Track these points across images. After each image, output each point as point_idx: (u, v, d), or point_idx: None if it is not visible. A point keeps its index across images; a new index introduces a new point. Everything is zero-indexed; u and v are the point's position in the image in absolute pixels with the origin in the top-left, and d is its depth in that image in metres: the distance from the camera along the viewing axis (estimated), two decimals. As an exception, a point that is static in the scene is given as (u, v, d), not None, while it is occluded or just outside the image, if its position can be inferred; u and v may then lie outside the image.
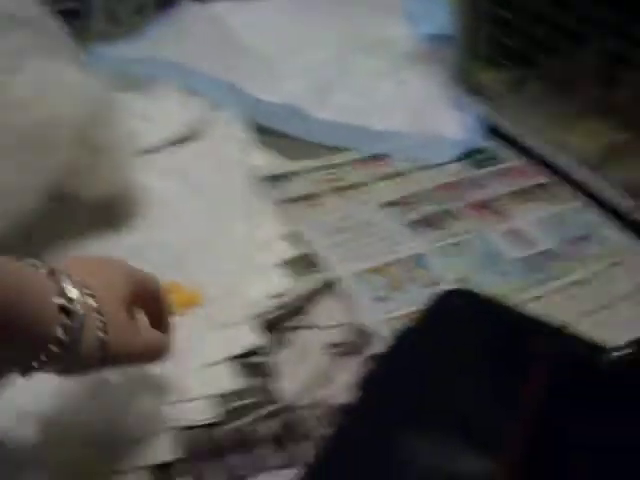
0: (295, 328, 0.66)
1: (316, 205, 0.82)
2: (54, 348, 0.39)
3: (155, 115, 0.92)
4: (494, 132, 0.97)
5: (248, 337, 0.63)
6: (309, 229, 0.77)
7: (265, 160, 0.91)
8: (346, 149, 0.94)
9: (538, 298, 0.70)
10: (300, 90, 1.04)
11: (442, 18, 1.16)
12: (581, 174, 0.87)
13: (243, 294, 0.68)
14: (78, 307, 0.41)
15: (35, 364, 0.40)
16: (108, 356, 0.43)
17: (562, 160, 0.89)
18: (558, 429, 0.49)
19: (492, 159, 0.93)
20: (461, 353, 0.57)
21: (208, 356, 0.61)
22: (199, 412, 0.56)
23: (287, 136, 0.95)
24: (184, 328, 0.63)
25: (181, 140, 0.93)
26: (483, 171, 0.91)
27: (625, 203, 0.81)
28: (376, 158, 0.93)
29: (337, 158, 0.92)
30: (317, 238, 0.76)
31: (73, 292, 0.41)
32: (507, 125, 0.96)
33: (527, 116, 0.94)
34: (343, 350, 0.63)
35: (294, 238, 0.76)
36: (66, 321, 0.40)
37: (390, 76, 1.10)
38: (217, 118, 0.96)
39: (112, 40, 1.13)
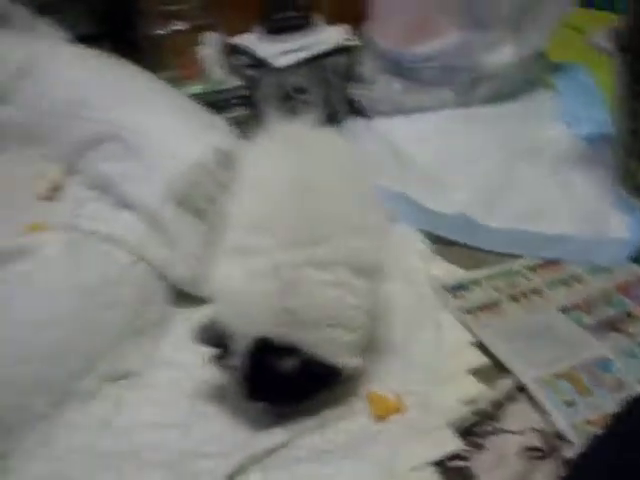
0: (490, 433, 0.71)
1: (497, 313, 0.88)
2: None
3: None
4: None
5: (448, 443, 0.69)
6: (492, 337, 0.82)
7: (443, 270, 0.97)
8: (519, 256, 0.99)
9: None
10: (469, 199, 1.11)
11: (601, 118, 1.22)
12: None
13: (438, 401, 0.74)
14: None
15: None
16: None
17: None
18: None
19: (665, 259, 0.95)
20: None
21: (411, 461, 0.67)
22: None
23: (459, 245, 1.02)
24: (388, 434, 0.71)
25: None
26: (659, 270, 0.93)
27: None
28: (549, 263, 0.97)
29: (511, 265, 0.97)
30: (500, 345, 0.81)
31: None
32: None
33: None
34: (537, 454, 0.68)
35: (479, 346, 0.82)
36: None
37: (554, 179, 1.15)
38: (396, 230, 1.03)
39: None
